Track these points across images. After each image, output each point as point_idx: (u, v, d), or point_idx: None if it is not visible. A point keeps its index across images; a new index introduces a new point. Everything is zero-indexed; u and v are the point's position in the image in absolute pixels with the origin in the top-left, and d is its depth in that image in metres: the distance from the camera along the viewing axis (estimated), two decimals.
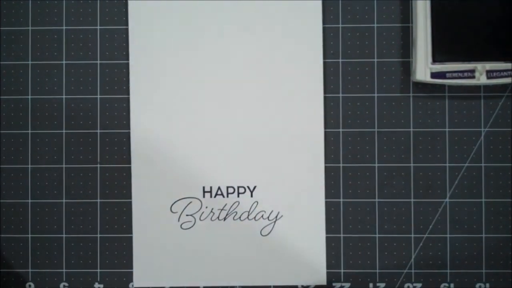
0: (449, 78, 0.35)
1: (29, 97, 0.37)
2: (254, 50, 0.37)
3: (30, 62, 0.37)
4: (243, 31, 0.37)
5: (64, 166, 0.37)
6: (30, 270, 0.37)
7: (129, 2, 0.37)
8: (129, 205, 0.37)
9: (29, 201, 0.37)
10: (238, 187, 0.36)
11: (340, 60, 0.37)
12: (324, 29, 0.37)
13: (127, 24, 0.37)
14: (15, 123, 0.37)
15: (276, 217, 0.36)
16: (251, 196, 0.36)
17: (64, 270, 0.37)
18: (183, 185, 0.36)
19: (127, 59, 0.37)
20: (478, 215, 0.36)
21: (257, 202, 0.36)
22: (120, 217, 0.37)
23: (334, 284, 0.37)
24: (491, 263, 0.36)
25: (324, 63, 0.37)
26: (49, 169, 0.37)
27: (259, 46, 0.37)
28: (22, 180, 0.37)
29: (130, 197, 0.37)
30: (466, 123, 0.37)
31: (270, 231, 0.36)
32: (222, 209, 0.37)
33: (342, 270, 0.37)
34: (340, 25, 0.37)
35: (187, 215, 0.37)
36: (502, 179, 0.36)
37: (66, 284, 0.37)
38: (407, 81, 0.37)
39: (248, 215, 0.36)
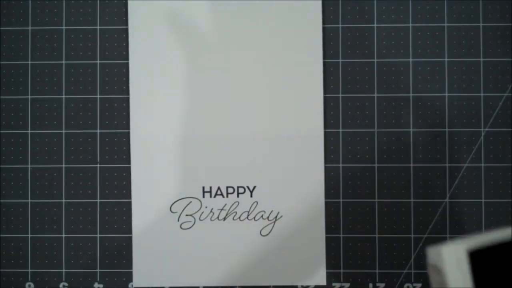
0: None
1: (29, 97, 0.37)
2: (254, 50, 0.37)
3: (30, 62, 0.37)
4: (243, 32, 0.37)
5: (64, 166, 0.37)
6: (30, 270, 0.37)
7: (129, 2, 0.37)
8: (128, 205, 0.37)
9: (29, 201, 0.37)
10: (238, 187, 0.36)
11: (340, 60, 0.37)
12: (324, 29, 0.37)
13: (127, 24, 0.37)
14: (15, 123, 0.37)
15: (276, 217, 0.36)
16: (251, 196, 0.36)
17: (63, 270, 0.37)
18: (183, 185, 0.36)
19: (127, 59, 0.37)
20: (478, 215, 0.36)
21: (257, 202, 0.36)
22: (120, 217, 0.37)
23: (333, 284, 0.37)
24: None
25: (324, 63, 0.37)
26: (49, 169, 0.37)
27: (259, 46, 0.37)
28: (22, 180, 0.37)
29: (130, 197, 0.37)
30: (466, 123, 0.37)
31: (270, 231, 0.36)
32: (221, 209, 0.37)
33: (341, 270, 0.37)
34: (340, 25, 0.37)
35: (186, 215, 0.37)
36: (502, 179, 0.36)
37: (66, 284, 0.37)
38: (407, 81, 0.37)
39: (248, 215, 0.36)
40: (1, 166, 0.37)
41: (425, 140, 0.37)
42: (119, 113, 0.37)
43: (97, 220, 0.37)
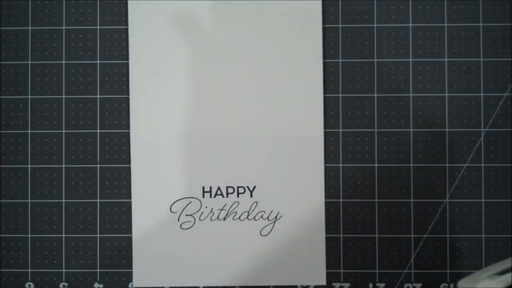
0: None
1: (29, 97, 0.37)
2: (254, 50, 0.37)
3: (30, 62, 0.37)
4: (243, 32, 0.37)
5: (64, 166, 0.37)
6: (30, 270, 0.37)
7: (129, 2, 0.37)
8: (128, 205, 0.37)
9: (29, 201, 0.37)
10: (238, 187, 0.36)
11: (340, 60, 0.37)
12: (324, 29, 0.37)
13: (127, 24, 0.37)
14: (15, 123, 0.37)
15: (276, 217, 0.36)
16: (251, 196, 0.36)
17: (63, 270, 0.37)
18: (183, 185, 0.36)
19: (127, 59, 0.37)
20: (478, 215, 0.36)
21: (257, 202, 0.36)
22: (120, 217, 0.37)
23: (333, 284, 0.37)
24: (491, 264, 0.36)
25: (324, 63, 0.37)
26: (49, 169, 0.37)
27: (259, 46, 0.37)
28: (22, 180, 0.37)
29: (130, 197, 0.37)
30: (466, 123, 0.37)
31: (270, 231, 0.36)
32: (221, 209, 0.37)
33: (341, 270, 0.37)
34: (340, 25, 0.37)
35: (186, 215, 0.37)
36: (502, 179, 0.36)
37: (66, 284, 0.37)
38: (406, 81, 0.37)
39: (248, 215, 0.36)
40: (1, 166, 0.37)
41: (425, 140, 0.37)
42: (119, 113, 0.37)
43: (97, 220, 0.37)
